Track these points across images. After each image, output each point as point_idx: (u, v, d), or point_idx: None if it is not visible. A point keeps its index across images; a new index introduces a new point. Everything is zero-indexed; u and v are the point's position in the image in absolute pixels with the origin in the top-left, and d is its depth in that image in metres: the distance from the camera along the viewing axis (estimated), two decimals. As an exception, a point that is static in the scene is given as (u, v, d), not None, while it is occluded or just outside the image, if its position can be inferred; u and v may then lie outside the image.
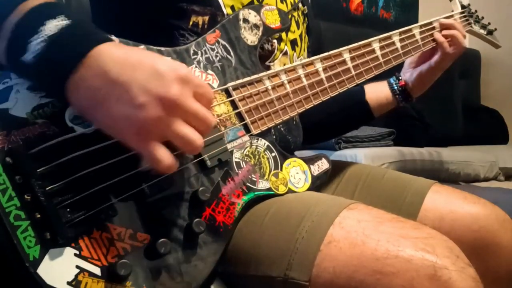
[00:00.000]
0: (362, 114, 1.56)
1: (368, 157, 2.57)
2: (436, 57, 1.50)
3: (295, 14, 1.30)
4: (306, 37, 1.37)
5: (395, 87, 1.53)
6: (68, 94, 0.79)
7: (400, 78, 1.55)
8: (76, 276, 0.79)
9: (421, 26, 1.48)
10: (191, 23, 1.11)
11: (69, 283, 0.78)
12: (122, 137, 0.80)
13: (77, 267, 0.79)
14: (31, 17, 0.80)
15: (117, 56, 0.78)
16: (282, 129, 1.18)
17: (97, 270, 0.81)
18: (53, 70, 0.79)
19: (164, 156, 0.79)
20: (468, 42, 4.36)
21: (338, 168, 1.42)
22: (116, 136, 0.81)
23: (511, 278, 1.21)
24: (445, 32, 1.52)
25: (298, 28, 1.31)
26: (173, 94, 0.77)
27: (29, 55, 0.77)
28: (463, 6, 1.71)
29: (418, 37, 1.46)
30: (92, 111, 0.79)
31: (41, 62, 0.78)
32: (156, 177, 0.88)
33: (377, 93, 1.54)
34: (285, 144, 1.18)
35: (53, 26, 0.78)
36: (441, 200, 1.27)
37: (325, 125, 1.55)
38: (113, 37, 0.91)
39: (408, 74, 1.55)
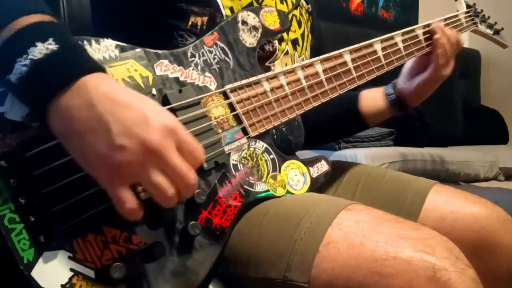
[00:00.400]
0: (354, 123, 1.54)
1: (368, 157, 2.57)
2: (434, 65, 1.45)
3: (297, 13, 1.29)
4: (309, 36, 1.37)
5: (392, 99, 1.50)
6: (47, 119, 0.77)
7: (396, 87, 1.51)
8: (70, 279, 0.79)
9: (424, 27, 1.46)
10: (190, 23, 1.10)
11: (63, 286, 0.78)
12: (91, 172, 0.78)
13: (71, 270, 0.79)
14: (20, 36, 0.78)
15: (106, 91, 0.76)
16: (283, 129, 1.18)
17: (91, 273, 0.81)
18: (32, 96, 0.77)
19: (128, 200, 0.77)
20: (468, 42, 4.39)
21: (338, 168, 1.42)
22: (87, 170, 0.79)
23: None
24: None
25: (300, 27, 1.30)
26: (154, 142, 0.75)
27: (13, 76, 0.76)
28: (468, 6, 1.70)
29: (421, 37, 1.44)
30: (68, 141, 0.78)
31: (23, 86, 0.76)
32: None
33: (372, 103, 1.51)
34: (286, 144, 1.18)
35: (39, 50, 0.76)
36: (442, 200, 1.27)
37: (317, 133, 1.52)
38: (110, 41, 0.90)
39: (407, 84, 1.50)
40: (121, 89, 0.79)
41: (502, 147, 4.15)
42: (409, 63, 1.49)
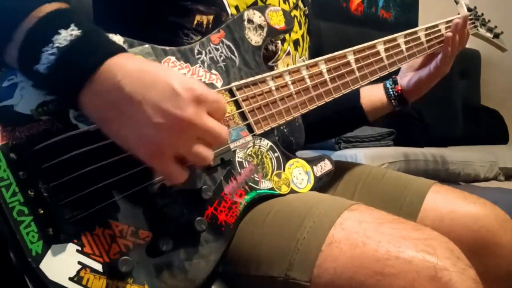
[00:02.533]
0: (356, 118, 1.55)
1: (368, 157, 2.57)
2: (435, 62, 1.48)
3: (297, 14, 1.30)
4: (307, 37, 1.37)
5: (391, 92, 1.51)
6: (81, 106, 0.79)
7: (396, 82, 1.53)
8: (78, 272, 0.79)
9: (426, 29, 1.47)
10: (195, 22, 1.11)
11: (71, 279, 0.79)
12: (135, 153, 0.80)
13: (79, 263, 0.80)
14: (43, 25, 0.78)
15: (132, 71, 0.78)
16: (284, 130, 1.19)
17: (99, 267, 0.81)
18: (65, 83, 0.78)
19: (177, 172, 0.80)
20: (468, 42, 4.37)
21: (338, 168, 1.41)
22: (129, 151, 0.81)
23: (511, 278, 1.22)
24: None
25: (300, 28, 1.31)
26: (189, 115, 0.77)
27: (41, 66, 0.77)
28: (469, 9, 1.70)
29: (423, 39, 1.45)
30: (106, 124, 0.80)
31: (54, 74, 0.77)
32: (159, 175, 0.89)
33: (372, 97, 1.53)
34: (287, 145, 1.18)
35: (63, 37, 0.77)
36: (441, 200, 1.27)
37: (319, 128, 1.54)
38: (119, 37, 0.91)
39: (406, 79, 1.52)
40: (145, 65, 0.80)
41: (502, 147, 4.14)
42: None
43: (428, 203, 1.27)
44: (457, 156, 3.14)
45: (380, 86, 1.54)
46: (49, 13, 0.79)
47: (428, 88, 1.52)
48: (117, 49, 0.80)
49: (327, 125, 1.57)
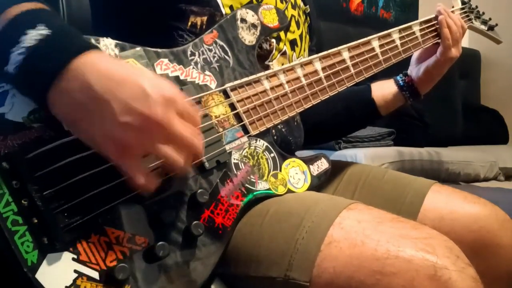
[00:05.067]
0: (368, 112, 1.53)
1: (368, 157, 2.57)
2: (440, 48, 1.48)
3: (295, 13, 1.29)
4: (307, 37, 1.37)
5: (402, 83, 1.50)
6: (51, 106, 0.78)
7: (406, 74, 1.53)
8: (75, 280, 0.79)
9: (421, 23, 1.47)
10: (189, 23, 1.10)
11: (67, 288, 0.78)
12: (102, 152, 0.80)
13: (76, 271, 0.79)
14: (12, 26, 0.78)
15: (102, 70, 0.77)
16: (283, 129, 1.18)
17: (95, 274, 0.81)
18: (33, 83, 0.77)
19: (139, 174, 0.79)
20: (468, 42, 4.38)
21: (338, 168, 1.42)
22: (97, 150, 0.80)
23: (511, 278, 1.21)
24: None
25: (298, 28, 1.30)
26: (157, 115, 0.76)
27: (10, 66, 0.76)
28: (463, 2, 1.71)
29: (418, 34, 1.45)
30: (75, 124, 0.79)
31: (22, 74, 0.77)
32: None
33: (384, 90, 1.51)
34: (286, 144, 1.18)
35: (31, 37, 0.77)
36: (441, 200, 1.27)
37: (330, 126, 1.54)
38: (110, 40, 0.90)
39: (415, 70, 1.52)
40: (116, 65, 0.79)
41: (502, 147, 4.15)
42: (417, 52, 1.51)
43: (428, 203, 1.27)
44: (457, 156, 3.14)
45: (390, 80, 1.54)
46: (18, 15, 0.79)
47: (439, 76, 1.52)
48: (86, 48, 0.79)
49: (338, 122, 1.56)
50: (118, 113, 0.75)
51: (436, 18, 1.51)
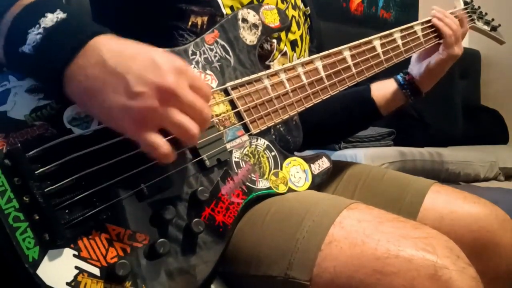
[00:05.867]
0: (368, 112, 1.53)
1: (368, 157, 2.57)
2: (443, 46, 1.48)
3: (296, 14, 1.29)
4: (308, 38, 1.37)
5: (402, 82, 1.50)
6: (65, 85, 0.80)
7: (407, 72, 1.52)
8: (76, 276, 0.79)
9: (422, 23, 1.47)
10: (190, 23, 1.11)
11: (68, 284, 0.78)
12: (119, 126, 0.81)
13: (76, 267, 0.79)
14: (29, 10, 0.82)
15: (115, 47, 0.80)
16: (281, 129, 1.18)
17: (96, 271, 0.81)
18: (50, 61, 0.80)
19: (161, 143, 0.79)
20: (468, 42, 4.38)
21: (338, 168, 1.42)
22: (113, 126, 0.82)
23: (510, 278, 1.21)
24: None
25: (299, 29, 1.30)
26: (170, 83, 0.78)
27: (27, 46, 0.79)
28: (465, 2, 1.70)
29: (420, 34, 1.45)
30: (89, 101, 0.80)
31: (39, 53, 0.79)
32: (155, 177, 0.89)
33: (384, 90, 1.51)
34: (284, 144, 1.17)
35: (50, 19, 0.80)
36: (441, 200, 1.27)
37: (329, 126, 1.54)
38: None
39: (416, 68, 1.52)
40: (126, 43, 0.82)
41: (502, 147, 4.14)
42: (417, 52, 1.50)
43: (428, 203, 1.27)
44: (457, 156, 3.14)
45: (391, 80, 1.54)
46: (35, 1, 0.84)
47: (440, 73, 1.51)
48: (102, 30, 0.83)
49: (337, 123, 1.56)
50: (132, 84, 0.77)
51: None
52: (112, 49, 0.79)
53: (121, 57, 0.79)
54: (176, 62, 0.81)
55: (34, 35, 0.79)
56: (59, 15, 0.81)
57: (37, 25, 0.80)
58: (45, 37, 0.79)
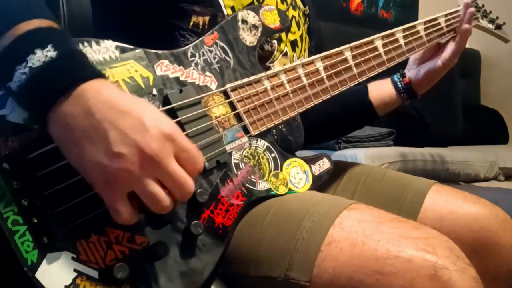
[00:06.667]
0: (365, 114, 1.53)
1: (368, 157, 2.57)
2: (446, 54, 1.47)
3: (296, 14, 1.29)
4: (307, 38, 1.37)
5: (400, 85, 1.49)
6: (48, 126, 0.78)
7: (404, 75, 1.52)
8: (74, 279, 0.79)
9: (425, 22, 1.46)
10: (191, 23, 1.10)
11: (67, 287, 0.78)
12: (89, 180, 0.78)
13: (75, 270, 0.79)
14: (19, 44, 0.78)
15: (106, 99, 0.76)
16: (283, 129, 1.18)
17: (95, 274, 0.81)
18: (33, 104, 0.77)
19: (124, 210, 0.77)
20: (468, 42, 4.37)
21: (338, 168, 1.41)
22: (85, 177, 0.79)
23: (511, 278, 1.21)
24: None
25: (299, 29, 1.30)
26: (152, 149, 0.75)
27: (13, 83, 0.76)
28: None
29: (422, 33, 1.43)
30: (67, 147, 0.78)
31: (24, 93, 0.76)
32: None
33: (381, 91, 1.51)
34: (286, 144, 1.17)
35: (37, 58, 0.76)
36: (441, 200, 1.27)
37: (327, 126, 1.54)
38: (111, 42, 0.90)
39: (414, 72, 1.51)
40: (121, 95, 0.79)
41: (502, 147, 4.15)
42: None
43: (428, 203, 1.27)
44: (457, 156, 3.14)
45: (387, 81, 1.53)
46: (27, 32, 0.78)
47: (437, 79, 1.51)
48: (94, 74, 0.79)
49: (334, 123, 1.56)
50: (113, 143, 0.74)
51: (441, 17, 1.50)
52: (102, 100, 0.76)
53: (110, 111, 0.75)
54: (166, 127, 0.77)
55: (20, 74, 0.76)
56: (49, 53, 0.77)
57: (24, 63, 0.76)
58: (30, 79, 0.75)
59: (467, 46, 1.58)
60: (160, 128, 0.76)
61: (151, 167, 0.75)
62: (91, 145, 0.75)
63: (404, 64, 1.51)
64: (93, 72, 0.79)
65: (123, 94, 0.81)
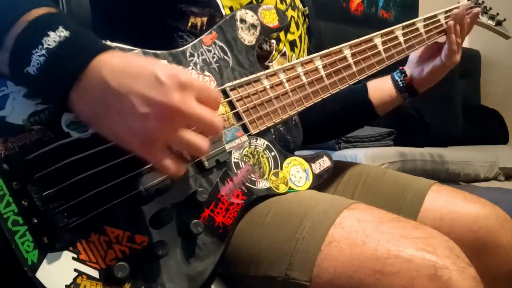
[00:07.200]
0: (365, 113, 1.53)
1: (368, 157, 2.56)
2: (444, 52, 1.47)
3: (295, 14, 1.29)
4: (306, 38, 1.37)
5: (401, 84, 1.49)
6: (72, 105, 0.79)
7: (405, 73, 1.52)
8: (75, 279, 0.79)
9: (425, 20, 1.45)
10: (189, 24, 1.10)
11: (67, 286, 0.78)
12: (127, 147, 0.80)
13: (75, 270, 0.79)
14: (33, 28, 0.79)
15: (117, 66, 0.78)
16: (281, 129, 1.18)
17: (95, 273, 0.81)
18: (55, 83, 0.78)
19: (171, 163, 0.79)
20: (468, 42, 4.38)
21: (338, 168, 1.41)
22: (124, 146, 0.81)
23: (510, 278, 1.21)
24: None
25: (298, 29, 1.30)
26: (175, 102, 0.76)
27: (32, 67, 0.78)
28: None
29: (422, 30, 1.43)
30: (97, 122, 0.80)
31: (44, 75, 0.78)
32: (154, 179, 0.88)
33: (381, 91, 1.51)
34: (284, 144, 1.17)
35: (52, 39, 0.78)
36: (441, 200, 1.27)
37: (327, 126, 1.54)
38: (109, 43, 0.91)
39: (417, 70, 1.50)
40: (130, 58, 0.80)
41: (502, 147, 4.15)
42: (417, 50, 1.49)
43: (428, 203, 1.27)
44: (457, 156, 3.14)
45: (387, 79, 1.53)
46: (38, 17, 0.80)
47: (440, 77, 1.51)
48: (102, 48, 0.81)
49: (334, 123, 1.55)
50: (137, 106, 0.76)
51: (441, 14, 1.49)
52: (114, 69, 0.78)
53: (124, 76, 0.77)
54: (181, 76, 0.78)
55: (38, 57, 0.77)
56: (62, 33, 0.79)
57: (40, 46, 0.78)
58: (49, 59, 0.77)
59: (467, 46, 1.58)
60: (175, 79, 0.77)
61: (179, 116, 0.77)
62: (117, 113, 0.77)
63: (403, 62, 1.51)
64: (103, 46, 0.81)
65: (132, 57, 0.82)
